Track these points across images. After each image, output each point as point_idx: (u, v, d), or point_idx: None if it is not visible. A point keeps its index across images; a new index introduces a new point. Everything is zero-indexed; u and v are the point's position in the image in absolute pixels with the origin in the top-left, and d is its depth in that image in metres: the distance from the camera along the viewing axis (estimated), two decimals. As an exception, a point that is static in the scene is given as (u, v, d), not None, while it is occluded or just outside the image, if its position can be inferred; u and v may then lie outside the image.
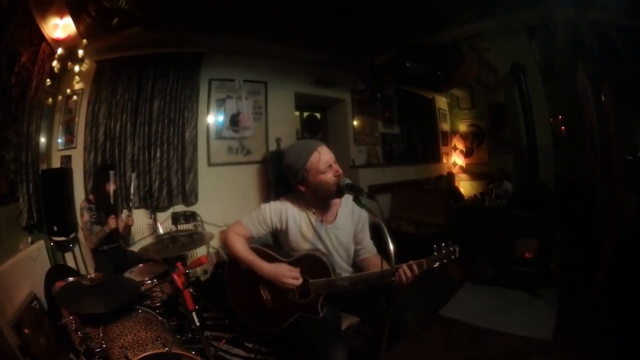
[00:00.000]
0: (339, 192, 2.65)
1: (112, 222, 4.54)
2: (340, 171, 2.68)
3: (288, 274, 2.63)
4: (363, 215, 2.97)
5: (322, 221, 2.84)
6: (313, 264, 2.72)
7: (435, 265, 2.55)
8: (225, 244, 2.84)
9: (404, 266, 2.46)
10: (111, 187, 4.61)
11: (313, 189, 2.73)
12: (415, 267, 2.48)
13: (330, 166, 2.66)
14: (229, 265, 3.08)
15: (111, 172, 4.69)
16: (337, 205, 2.90)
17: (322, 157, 2.65)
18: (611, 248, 4.92)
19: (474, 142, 10.84)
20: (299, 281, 2.65)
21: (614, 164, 5.15)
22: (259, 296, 2.85)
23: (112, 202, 4.60)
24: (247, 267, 2.73)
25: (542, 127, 6.37)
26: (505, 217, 5.97)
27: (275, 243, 3.13)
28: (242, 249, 2.75)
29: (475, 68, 7.68)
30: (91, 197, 4.80)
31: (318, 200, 2.81)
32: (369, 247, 3.04)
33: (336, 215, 2.89)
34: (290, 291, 2.76)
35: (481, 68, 7.98)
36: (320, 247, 2.84)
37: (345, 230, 2.91)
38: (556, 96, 6.91)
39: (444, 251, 2.56)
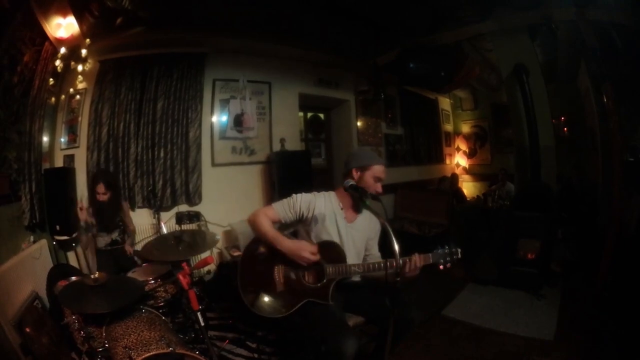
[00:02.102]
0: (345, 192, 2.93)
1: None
2: (381, 191, 3.01)
3: (308, 248, 2.81)
4: (378, 226, 3.20)
5: (345, 218, 3.07)
6: (330, 250, 2.90)
7: (439, 262, 2.75)
8: (252, 220, 2.98)
9: (413, 256, 2.69)
10: (100, 197, 4.50)
11: (358, 182, 2.99)
12: (422, 260, 2.71)
13: (380, 180, 3.01)
14: (246, 248, 3.16)
15: (98, 183, 4.53)
16: (360, 211, 3.15)
17: (383, 172, 3.03)
18: (612, 248, 4.92)
19: (477, 143, 10.87)
20: (317, 257, 2.81)
21: (615, 164, 5.15)
22: (272, 278, 2.95)
23: (104, 212, 4.57)
24: (269, 243, 2.89)
25: (544, 127, 6.37)
26: (508, 218, 5.97)
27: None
28: (267, 225, 2.92)
29: (478, 68, 7.68)
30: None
31: (352, 197, 3.05)
32: (375, 255, 3.23)
33: (357, 218, 3.14)
34: (304, 274, 2.93)
35: (484, 68, 7.98)
36: (337, 241, 2.99)
37: (361, 232, 3.13)
38: (559, 96, 6.91)
39: (447, 251, 2.76)
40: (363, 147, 3.21)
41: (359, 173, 3.01)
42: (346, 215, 3.08)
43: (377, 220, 3.11)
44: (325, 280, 2.84)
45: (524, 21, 6.18)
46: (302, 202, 3.01)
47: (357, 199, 2.97)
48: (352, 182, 2.91)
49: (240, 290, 2.97)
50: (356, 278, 3.13)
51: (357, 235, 3.10)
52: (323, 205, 3.04)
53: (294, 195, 3.06)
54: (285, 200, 3.05)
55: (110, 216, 4.61)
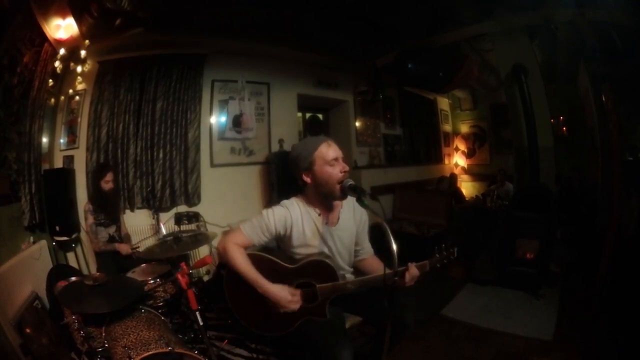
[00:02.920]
0: (343, 193, 2.61)
1: (124, 249, 4.56)
2: (347, 168, 2.64)
3: (286, 303, 2.58)
4: (364, 216, 2.96)
5: (326, 223, 2.79)
6: (320, 269, 2.68)
7: (436, 267, 2.67)
8: (223, 255, 2.69)
9: (409, 268, 2.54)
10: (107, 185, 4.62)
11: (317, 181, 2.66)
12: (418, 269, 2.57)
13: (337, 160, 2.63)
14: (228, 272, 2.84)
15: (108, 172, 4.70)
16: (339, 207, 2.85)
17: (331, 149, 2.64)
18: (612, 248, 4.93)
19: (476, 143, 10.90)
20: (296, 307, 2.61)
21: (615, 164, 5.15)
22: (264, 302, 2.69)
23: (110, 201, 4.63)
24: (248, 284, 2.62)
25: (543, 128, 6.37)
26: (506, 218, 5.97)
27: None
28: (242, 263, 2.62)
29: (477, 69, 7.68)
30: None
31: (321, 198, 2.74)
32: (367, 248, 3.05)
33: (339, 217, 2.84)
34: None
35: (483, 69, 7.98)
36: (325, 249, 2.79)
37: (348, 231, 2.87)
38: (558, 97, 6.92)
39: (444, 252, 2.67)
40: (300, 142, 2.91)
41: (309, 174, 2.69)
42: (327, 220, 2.79)
43: (363, 211, 2.88)
44: (319, 300, 2.66)
45: (523, 22, 6.19)
46: (277, 220, 2.69)
47: (328, 197, 2.70)
48: (350, 182, 2.55)
49: (234, 311, 2.87)
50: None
51: (344, 235, 2.84)
52: (300, 218, 2.74)
53: (264, 213, 2.72)
54: (255, 221, 2.70)
55: (114, 205, 4.76)
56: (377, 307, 2.53)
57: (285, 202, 2.82)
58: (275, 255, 2.83)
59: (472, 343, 4.19)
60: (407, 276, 2.52)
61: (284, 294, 2.58)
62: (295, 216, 2.74)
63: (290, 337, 2.81)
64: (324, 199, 2.75)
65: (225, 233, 2.82)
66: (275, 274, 2.67)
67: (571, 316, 4.62)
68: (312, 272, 2.69)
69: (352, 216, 2.90)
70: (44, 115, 4.99)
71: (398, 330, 2.63)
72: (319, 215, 2.78)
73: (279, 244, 2.93)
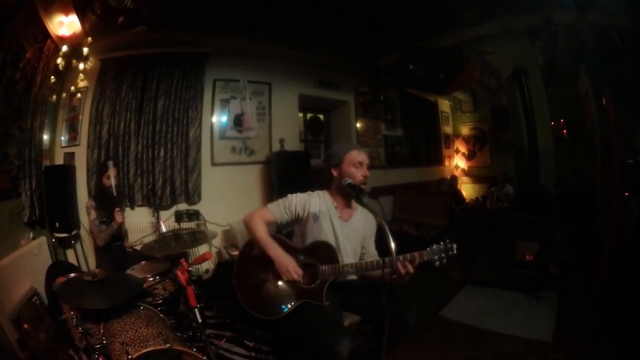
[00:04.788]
0: (343, 190, 2.93)
1: (118, 217, 4.56)
2: (368, 175, 3.03)
3: (291, 268, 2.80)
4: (374, 224, 3.21)
5: (339, 217, 3.06)
6: (323, 250, 2.91)
7: (434, 259, 2.63)
8: (247, 222, 2.99)
9: (404, 256, 2.59)
10: (109, 181, 4.62)
11: (340, 177, 3.01)
12: (413, 258, 2.60)
13: (362, 164, 3.01)
14: (242, 249, 3.24)
15: (109, 163, 4.70)
16: (354, 209, 3.15)
17: (360, 155, 3.03)
18: (611, 249, 4.92)
19: (476, 145, 10.90)
20: (298, 277, 2.82)
21: (615, 166, 5.15)
22: (266, 280, 2.98)
23: (114, 194, 4.63)
24: (261, 249, 2.88)
25: (543, 130, 6.37)
26: (506, 220, 5.97)
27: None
28: (261, 229, 2.91)
29: (478, 71, 7.68)
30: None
31: (341, 193, 3.06)
32: (372, 252, 3.21)
33: (352, 217, 3.12)
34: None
35: (484, 71, 7.98)
36: (332, 240, 2.98)
37: (356, 231, 3.12)
38: (558, 99, 6.91)
39: (442, 246, 2.65)
40: (337, 144, 3.65)
41: (337, 169, 3.05)
42: (341, 214, 3.07)
43: (373, 219, 3.15)
44: (318, 281, 2.85)
45: (524, 24, 6.19)
46: (298, 202, 3.03)
47: (352, 197, 3.01)
48: (349, 181, 2.89)
49: (237, 292, 3.03)
50: (353, 276, 3.13)
51: (352, 233, 3.08)
52: (318, 205, 3.04)
53: (289, 195, 3.08)
54: (280, 201, 3.06)
55: (117, 200, 4.73)
56: (376, 306, 2.65)
57: (309, 191, 3.17)
58: (290, 239, 3.15)
59: (471, 344, 4.19)
60: (404, 263, 2.55)
61: (288, 260, 2.84)
62: (314, 202, 3.07)
63: (288, 331, 2.90)
64: (341, 194, 3.07)
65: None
66: (285, 251, 2.90)
67: (570, 317, 4.62)
68: (316, 253, 2.93)
69: (363, 221, 3.17)
70: (46, 111, 5.00)
71: (399, 330, 2.69)
72: (336, 208, 3.09)
73: (295, 230, 3.21)
